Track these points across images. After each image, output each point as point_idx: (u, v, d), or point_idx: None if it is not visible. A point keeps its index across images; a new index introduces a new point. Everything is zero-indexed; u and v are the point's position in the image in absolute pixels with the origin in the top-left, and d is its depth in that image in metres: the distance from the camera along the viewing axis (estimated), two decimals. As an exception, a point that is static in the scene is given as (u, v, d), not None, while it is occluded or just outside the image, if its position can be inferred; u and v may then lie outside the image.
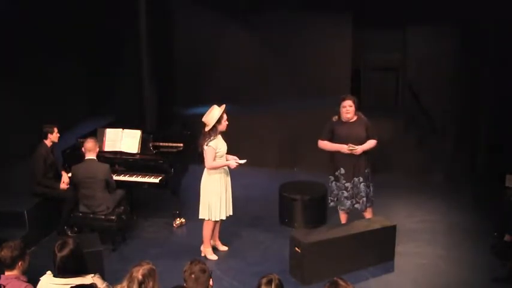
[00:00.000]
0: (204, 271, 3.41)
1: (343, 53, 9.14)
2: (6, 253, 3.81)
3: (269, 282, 3.28)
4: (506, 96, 7.82)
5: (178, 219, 6.89)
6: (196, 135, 8.34)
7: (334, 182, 6.12)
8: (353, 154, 5.90)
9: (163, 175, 6.65)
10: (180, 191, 7.00)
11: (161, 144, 6.98)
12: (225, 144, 5.90)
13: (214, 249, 6.22)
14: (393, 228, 5.94)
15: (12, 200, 6.53)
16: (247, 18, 9.27)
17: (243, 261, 6.06)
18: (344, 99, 5.97)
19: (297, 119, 8.90)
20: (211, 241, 6.20)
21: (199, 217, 6.01)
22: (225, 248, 6.27)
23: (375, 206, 6.42)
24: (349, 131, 5.95)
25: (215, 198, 5.86)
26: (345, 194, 6.05)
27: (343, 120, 5.98)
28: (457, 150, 8.60)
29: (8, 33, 7.41)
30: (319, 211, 6.88)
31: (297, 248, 5.54)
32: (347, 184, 6.02)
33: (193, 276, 3.39)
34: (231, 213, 6.09)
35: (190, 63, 9.52)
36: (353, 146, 5.87)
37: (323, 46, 9.15)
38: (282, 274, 4.03)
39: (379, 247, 5.82)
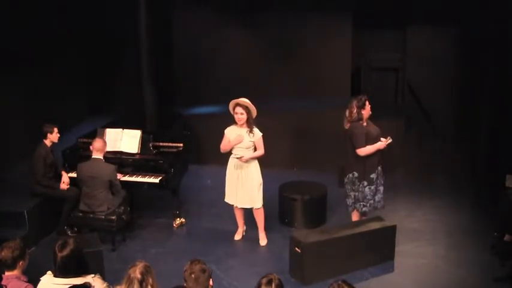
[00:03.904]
0: (204, 271, 3.41)
1: (343, 53, 9.15)
2: (6, 253, 3.80)
3: (269, 282, 3.27)
4: (507, 96, 7.82)
5: (178, 219, 6.89)
6: (196, 135, 8.44)
7: (367, 187, 5.84)
8: (379, 150, 5.81)
9: (163, 175, 6.65)
10: (180, 191, 6.99)
11: (161, 144, 6.96)
12: (243, 137, 6.05)
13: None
14: (393, 228, 5.94)
15: (12, 200, 6.53)
16: (247, 18, 9.28)
17: (243, 261, 6.07)
18: (367, 99, 5.80)
19: (297, 118, 8.90)
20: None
21: None
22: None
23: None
24: (375, 128, 5.88)
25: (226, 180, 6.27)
26: (380, 192, 5.93)
27: (365, 120, 5.84)
28: (457, 150, 8.60)
29: (8, 33, 7.41)
30: (319, 211, 6.89)
31: (297, 248, 5.53)
32: (382, 180, 5.95)
33: (193, 276, 3.39)
34: (239, 206, 6.29)
35: (190, 63, 9.53)
36: (388, 137, 5.80)
37: (323, 46, 9.16)
38: (282, 274, 4.03)
39: (379, 247, 5.82)
